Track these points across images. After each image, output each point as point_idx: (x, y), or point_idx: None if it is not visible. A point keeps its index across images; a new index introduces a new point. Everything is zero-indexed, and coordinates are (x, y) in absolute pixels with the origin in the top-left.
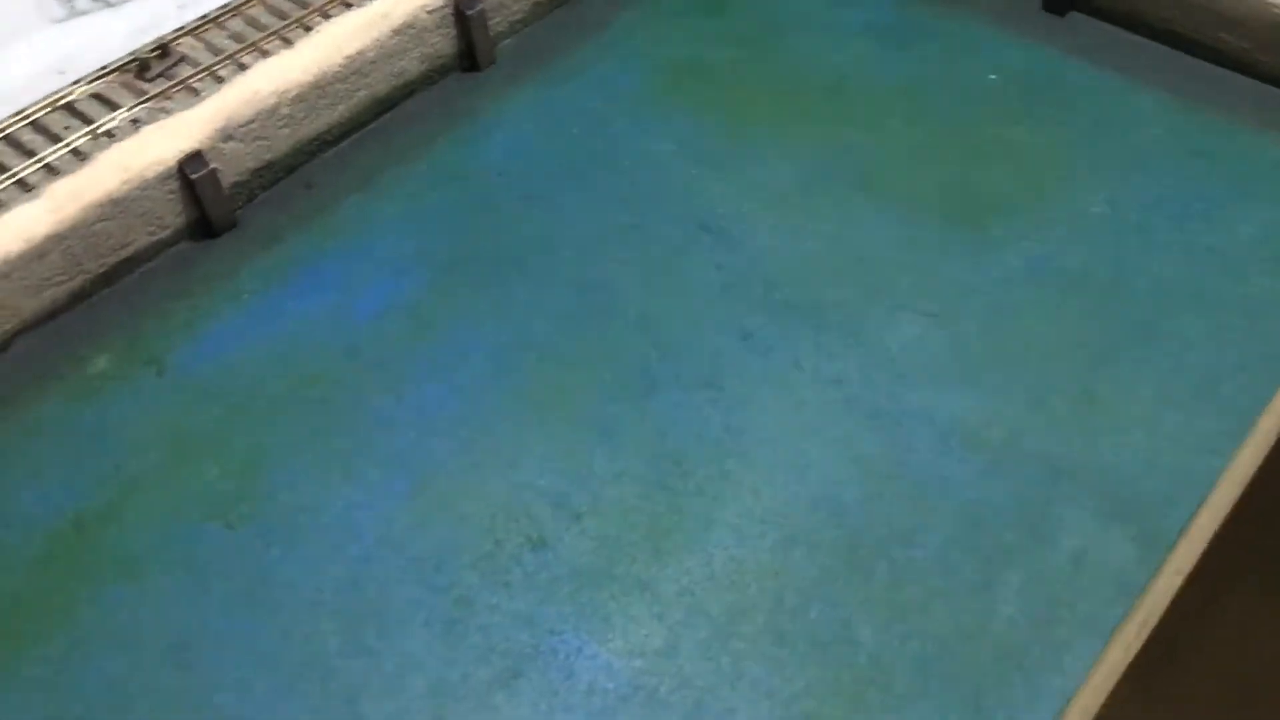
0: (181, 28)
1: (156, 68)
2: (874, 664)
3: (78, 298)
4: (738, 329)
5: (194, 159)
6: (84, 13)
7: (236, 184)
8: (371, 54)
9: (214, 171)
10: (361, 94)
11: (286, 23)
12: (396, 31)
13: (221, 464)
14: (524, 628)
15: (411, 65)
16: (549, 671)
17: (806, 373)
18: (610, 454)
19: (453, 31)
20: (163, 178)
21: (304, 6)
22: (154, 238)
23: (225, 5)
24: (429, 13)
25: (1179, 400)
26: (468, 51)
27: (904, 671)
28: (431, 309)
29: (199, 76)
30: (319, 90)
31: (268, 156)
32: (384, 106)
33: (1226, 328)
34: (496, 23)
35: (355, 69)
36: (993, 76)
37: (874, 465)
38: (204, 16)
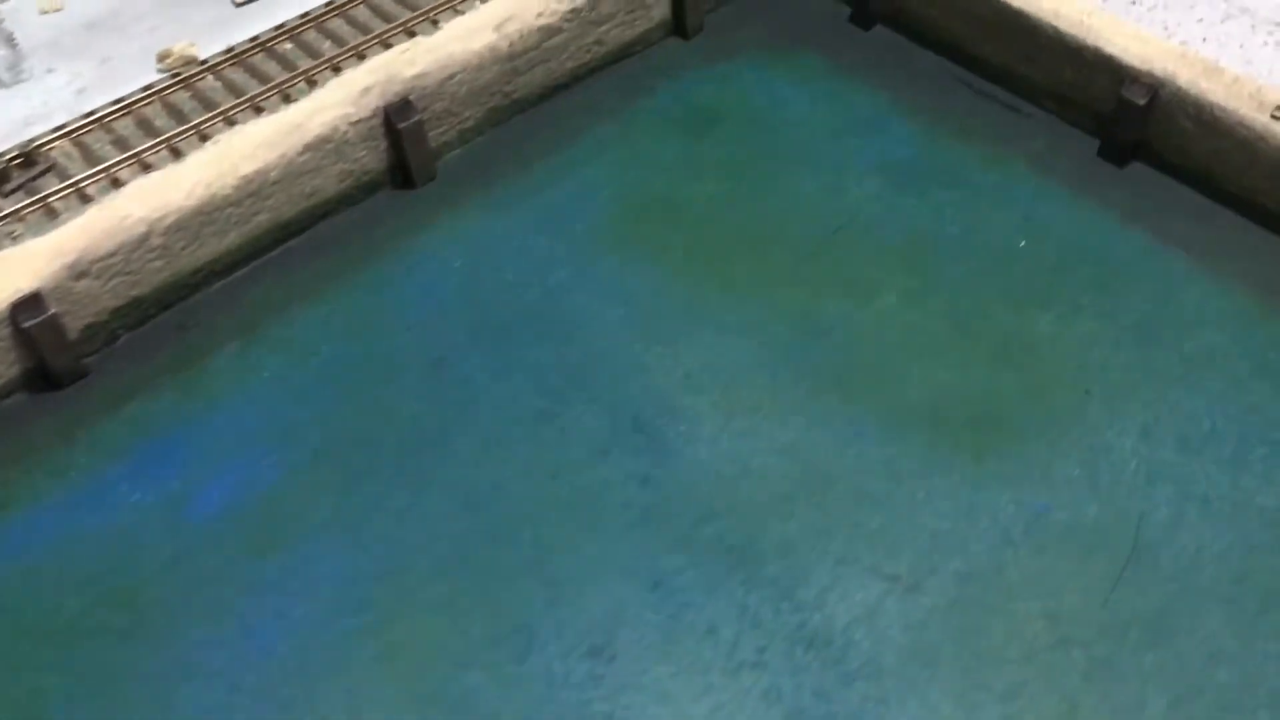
0: (60, 128)
1: (17, 178)
2: None
3: None
4: (649, 573)
5: (30, 303)
6: None
7: (92, 326)
8: (275, 173)
9: (55, 317)
10: (261, 218)
11: (183, 129)
12: (309, 147)
13: None
14: None
15: (328, 184)
16: None
17: (722, 647)
18: None
19: (382, 144)
20: None
21: (209, 108)
22: None
23: (119, 100)
24: (353, 124)
25: None
26: (400, 166)
27: None
28: (285, 512)
29: (62, 193)
30: (204, 216)
31: (134, 293)
32: (289, 232)
33: (1271, 634)
34: (441, 132)
35: (253, 190)
36: (1023, 242)
37: None
38: (92, 114)
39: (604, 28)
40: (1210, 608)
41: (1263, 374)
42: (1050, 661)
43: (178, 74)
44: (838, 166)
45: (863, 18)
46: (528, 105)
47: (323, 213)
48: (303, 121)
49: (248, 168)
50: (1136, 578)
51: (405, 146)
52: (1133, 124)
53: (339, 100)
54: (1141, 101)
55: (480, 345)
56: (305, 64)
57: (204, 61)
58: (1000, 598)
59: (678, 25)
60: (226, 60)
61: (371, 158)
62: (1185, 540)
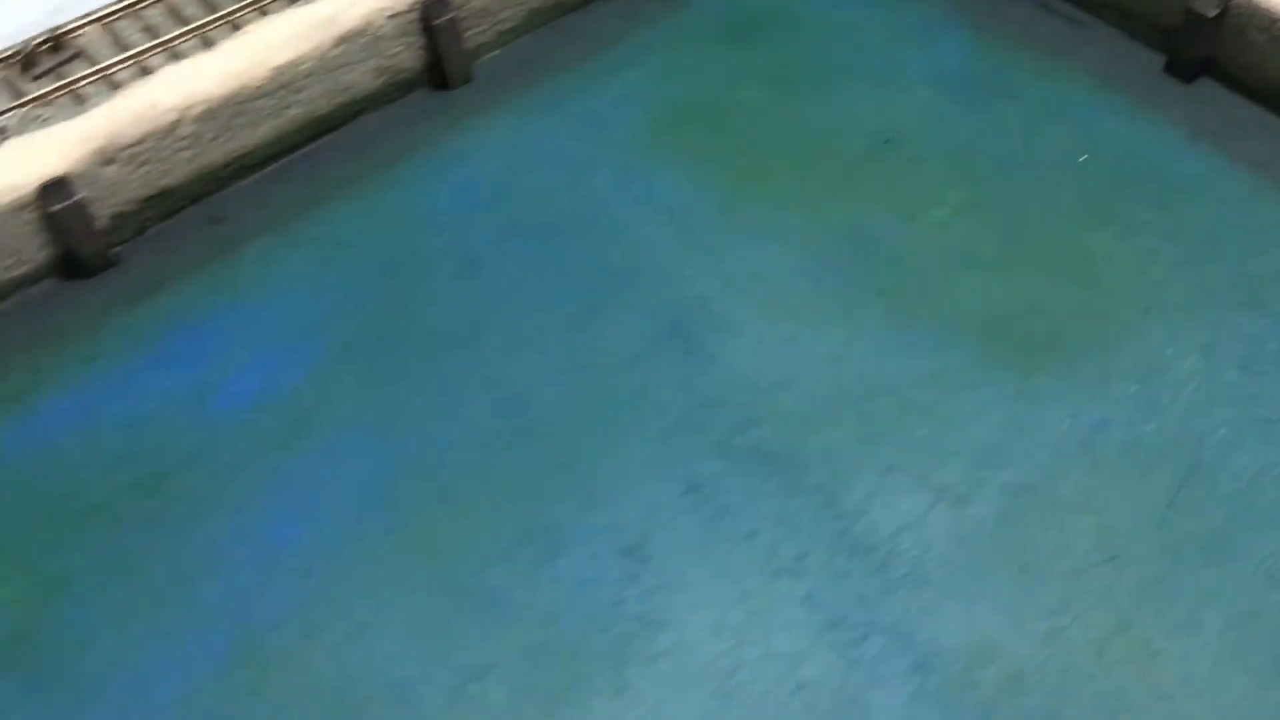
0: (90, 14)
1: (44, 63)
2: None
3: None
4: (686, 477)
5: (57, 187)
6: None
7: (120, 215)
8: (308, 65)
9: (81, 203)
10: (294, 111)
11: (214, 18)
12: (343, 39)
13: (11, 587)
14: None
15: (363, 80)
16: None
17: (760, 551)
18: (482, 637)
19: (418, 41)
20: (16, 208)
21: None
22: (10, 274)
23: None
24: (389, 18)
25: (1252, 659)
26: (436, 66)
27: None
28: (312, 405)
29: (92, 79)
30: (235, 107)
31: (164, 183)
32: (323, 127)
33: None
34: (478, 32)
35: (285, 82)
36: (1083, 157)
37: (818, 700)
38: (122, 1)
39: None
40: (1269, 531)
41: None
42: (1101, 577)
43: None
44: (887, 77)
45: None
46: (568, 9)
47: (357, 110)
48: (336, 13)
49: (279, 59)
50: (1193, 498)
51: (440, 44)
52: (1202, 38)
53: None
54: (1211, 14)
55: (514, 246)
56: None
57: None
58: (1051, 512)
59: None
60: None
61: (407, 55)
62: (1245, 462)
